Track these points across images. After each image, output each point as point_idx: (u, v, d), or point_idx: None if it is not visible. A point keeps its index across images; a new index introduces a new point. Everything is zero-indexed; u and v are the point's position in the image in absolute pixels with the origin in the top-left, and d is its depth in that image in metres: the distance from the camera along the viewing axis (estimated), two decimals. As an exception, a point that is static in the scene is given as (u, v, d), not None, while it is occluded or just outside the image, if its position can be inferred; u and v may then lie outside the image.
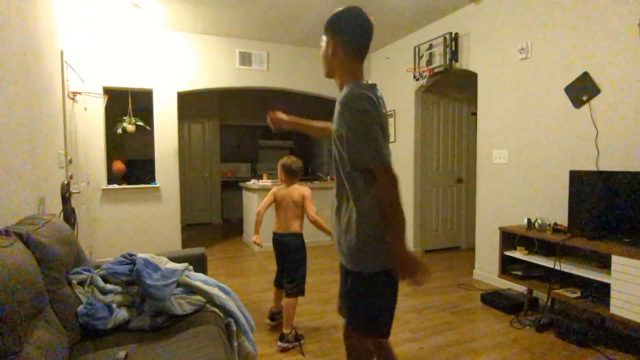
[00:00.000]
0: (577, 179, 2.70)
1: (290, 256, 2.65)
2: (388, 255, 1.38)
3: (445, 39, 4.11)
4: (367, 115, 1.33)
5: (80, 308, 1.69)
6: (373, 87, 1.45)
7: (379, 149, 1.34)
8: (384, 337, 1.50)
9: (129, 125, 4.54)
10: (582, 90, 2.88)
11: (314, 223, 2.63)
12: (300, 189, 2.69)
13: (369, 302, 1.44)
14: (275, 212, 2.73)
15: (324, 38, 1.51)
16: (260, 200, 5.12)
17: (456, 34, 4.05)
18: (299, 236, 2.67)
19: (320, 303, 3.25)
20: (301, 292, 2.61)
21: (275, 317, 2.82)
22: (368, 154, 1.34)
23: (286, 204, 2.68)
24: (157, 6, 3.97)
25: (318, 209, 5.67)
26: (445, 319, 2.94)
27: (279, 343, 2.48)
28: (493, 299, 3.15)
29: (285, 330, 2.51)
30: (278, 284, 2.80)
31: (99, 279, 1.92)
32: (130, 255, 2.09)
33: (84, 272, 1.90)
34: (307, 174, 8.50)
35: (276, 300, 2.83)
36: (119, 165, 5.04)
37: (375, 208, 1.39)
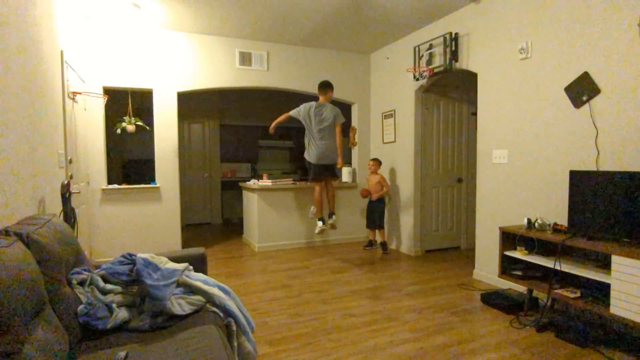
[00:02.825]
0: (577, 179, 2.70)
1: (376, 208, 5.13)
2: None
3: (445, 39, 4.12)
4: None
5: (80, 308, 1.69)
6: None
7: None
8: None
9: (128, 125, 4.54)
10: (582, 90, 2.88)
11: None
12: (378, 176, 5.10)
13: None
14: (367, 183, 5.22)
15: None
16: (261, 200, 5.16)
17: (456, 34, 4.05)
18: (382, 199, 5.16)
19: (321, 303, 3.26)
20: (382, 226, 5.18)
21: (373, 243, 5.28)
22: None
23: (372, 183, 5.16)
24: (157, 6, 3.97)
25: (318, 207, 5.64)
26: (445, 319, 2.94)
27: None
28: (493, 299, 3.15)
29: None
30: (369, 226, 5.26)
31: (99, 279, 1.92)
32: (130, 255, 2.09)
33: (84, 272, 1.90)
34: (308, 173, 8.49)
35: (372, 234, 5.30)
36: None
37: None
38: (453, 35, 4.05)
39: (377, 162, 5.14)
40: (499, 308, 3.08)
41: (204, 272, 2.37)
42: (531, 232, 2.90)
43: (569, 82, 2.98)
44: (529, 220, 3.00)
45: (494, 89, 3.68)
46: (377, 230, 5.20)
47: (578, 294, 2.57)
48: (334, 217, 4.62)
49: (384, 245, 5.09)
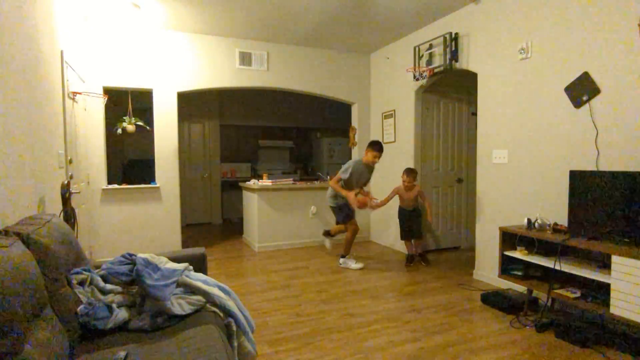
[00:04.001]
0: (577, 179, 2.70)
1: (413, 217, 4.47)
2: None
3: (445, 39, 4.11)
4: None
5: (80, 308, 1.69)
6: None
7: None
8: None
9: (129, 125, 4.54)
10: (582, 90, 2.88)
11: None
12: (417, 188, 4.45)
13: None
14: (400, 198, 4.50)
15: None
16: (261, 200, 5.16)
17: (456, 34, 4.05)
18: (416, 208, 4.50)
19: (321, 303, 3.26)
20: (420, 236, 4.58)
21: (414, 258, 4.51)
22: None
23: (407, 198, 4.46)
24: (157, 6, 3.97)
25: (318, 208, 5.66)
26: (445, 319, 2.94)
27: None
28: (493, 299, 3.15)
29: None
30: (406, 237, 4.55)
31: (99, 279, 1.92)
32: (130, 255, 2.09)
33: (84, 272, 1.90)
34: (308, 173, 8.51)
35: (409, 247, 4.57)
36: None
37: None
38: (453, 35, 4.05)
39: (414, 175, 4.33)
40: (499, 308, 3.08)
41: (204, 272, 2.37)
42: (531, 232, 2.90)
43: (569, 82, 2.97)
44: (529, 220, 3.00)
45: (494, 89, 3.68)
46: (412, 240, 4.51)
47: (578, 294, 2.57)
48: (328, 239, 4.86)
49: (423, 256, 4.50)
